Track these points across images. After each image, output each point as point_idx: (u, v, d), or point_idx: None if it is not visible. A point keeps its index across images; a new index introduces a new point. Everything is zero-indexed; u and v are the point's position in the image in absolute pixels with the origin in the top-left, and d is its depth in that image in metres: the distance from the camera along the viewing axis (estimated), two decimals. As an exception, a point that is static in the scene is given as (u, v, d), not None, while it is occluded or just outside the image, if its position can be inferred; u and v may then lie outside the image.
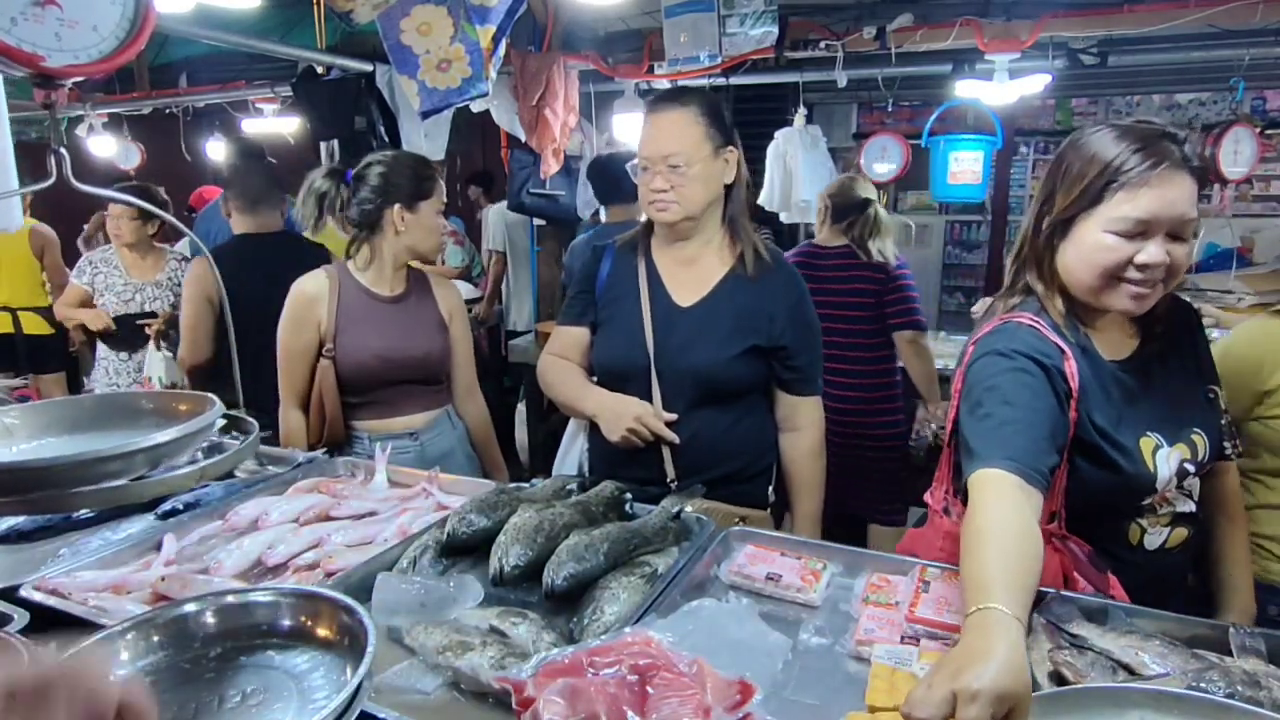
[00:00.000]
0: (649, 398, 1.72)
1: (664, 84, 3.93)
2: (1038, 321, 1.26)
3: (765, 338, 1.72)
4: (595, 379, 1.84)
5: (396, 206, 2.03)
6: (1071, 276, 1.26)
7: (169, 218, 1.76)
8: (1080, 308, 1.29)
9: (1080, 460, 1.24)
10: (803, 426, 1.82)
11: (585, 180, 4.26)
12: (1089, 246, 1.21)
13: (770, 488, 1.86)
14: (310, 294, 2.04)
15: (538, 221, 4.60)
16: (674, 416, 1.70)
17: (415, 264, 2.18)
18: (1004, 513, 1.02)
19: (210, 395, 1.44)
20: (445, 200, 2.13)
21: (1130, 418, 1.26)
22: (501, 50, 3.14)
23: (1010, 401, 1.16)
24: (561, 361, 1.87)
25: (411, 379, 2.08)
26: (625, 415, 1.68)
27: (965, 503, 1.10)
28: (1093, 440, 1.23)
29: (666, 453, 1.71)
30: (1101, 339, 1.30)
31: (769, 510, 1.84)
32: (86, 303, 3.49)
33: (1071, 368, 1.22)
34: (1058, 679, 1.00)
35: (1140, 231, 1.17)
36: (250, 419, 1.62)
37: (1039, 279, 1.31)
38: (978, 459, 1.11)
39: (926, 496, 1.49)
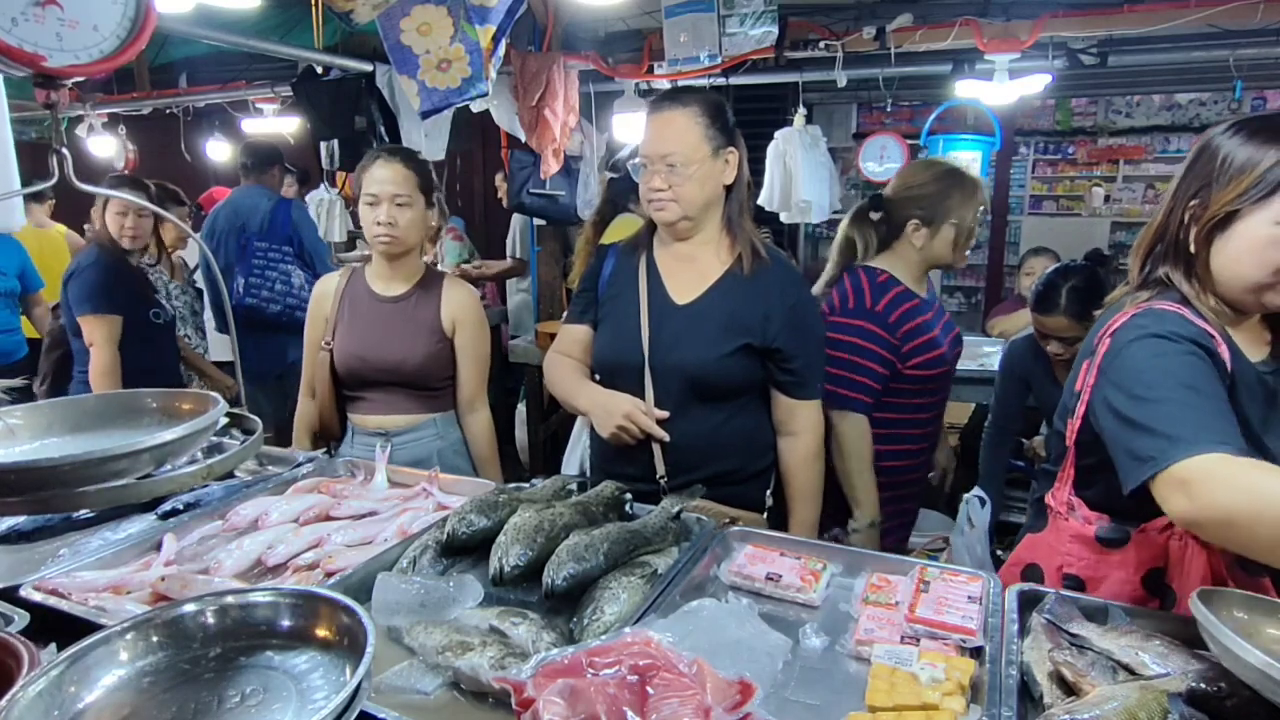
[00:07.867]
0: (642, 394, 1.72)
1: (664, 84, 3.93)
2: (1181, 309, 1.19)
3: (759, 338, 1.69)
4: (597, 376, 1.85)
5: None
6: (1231, 273, 1.18)
7: (175, 219, 1.74)
8: (1223, 307, 1.22)
9: None
10: (799, 431, 1.79)
11: (585, 180, 4.27)
12: (1262, 241, 1.13)
13: (768, 492, 1.85)
14: (322, 290, 2.18)
15: (538, 221, 4.60)
16: (665, 414, 1.70)
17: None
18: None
19: (214, 394, 1.44)
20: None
21: (1274, 422, 1.20)
22: (501, 50, 3.14)
23: (1192, 385, 1.08)
24: (563, 358, 1.89)
25: (389, 381, 2.09)
26: (615, 412, 1.68)
27: (1134, 501, 1.03)
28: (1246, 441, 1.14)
29: (657, 450, 1.71)
30: (1240, 339, 1.23)
31: (765, 514, 1.82)
32: None
33: (1225, 354, 1.15)
34: (1058, 679, 1.00)
35: None
36: (253, 417, 1.62)
37: (1186, 278, 1.23)
38: (1181, 445, 1.02)
39: (1048, 498, 1.37)
